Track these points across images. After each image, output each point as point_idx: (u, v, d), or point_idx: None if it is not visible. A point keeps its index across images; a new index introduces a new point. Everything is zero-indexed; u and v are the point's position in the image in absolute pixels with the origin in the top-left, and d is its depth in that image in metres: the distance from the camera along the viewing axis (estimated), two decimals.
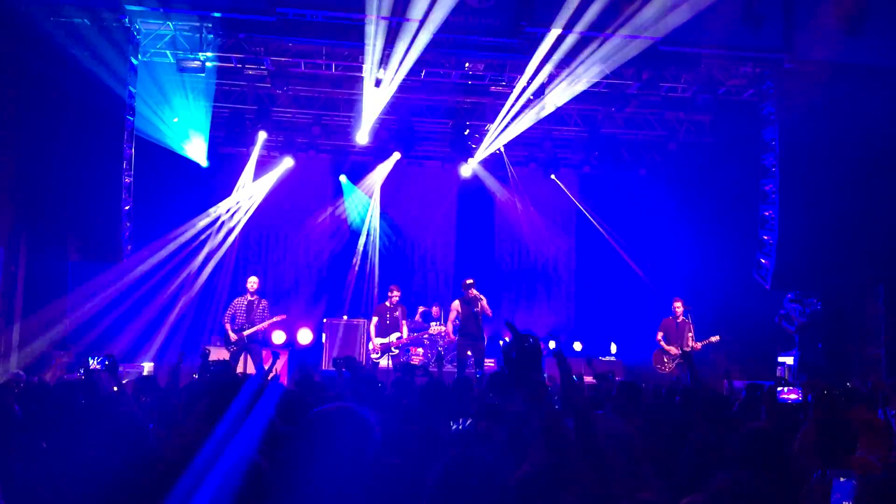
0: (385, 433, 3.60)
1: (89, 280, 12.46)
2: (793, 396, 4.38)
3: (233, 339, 11.72)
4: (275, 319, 11.97)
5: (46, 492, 3.14)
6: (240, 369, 11.58)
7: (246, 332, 11.71)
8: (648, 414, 5.64)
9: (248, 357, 11.84)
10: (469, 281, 11.96)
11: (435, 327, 13.33)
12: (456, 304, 12.05)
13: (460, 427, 4.05)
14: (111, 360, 7.42)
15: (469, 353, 11.65)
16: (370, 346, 12.34)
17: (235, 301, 12.07)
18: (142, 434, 3.73)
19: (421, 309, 14.41)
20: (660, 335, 12.47)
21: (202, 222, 14.49)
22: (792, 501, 2.88)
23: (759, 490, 2.51)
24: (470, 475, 2.28)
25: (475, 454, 2.38)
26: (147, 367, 12.08)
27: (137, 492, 2.83)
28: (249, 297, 11.94)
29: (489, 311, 11.90)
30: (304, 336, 14.89)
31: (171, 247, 13.97)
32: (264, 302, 12.03)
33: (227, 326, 11.84)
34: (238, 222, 15.09)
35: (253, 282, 12.05)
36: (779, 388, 4.49)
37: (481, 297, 11.83)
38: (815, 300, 12.17)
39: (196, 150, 13.95)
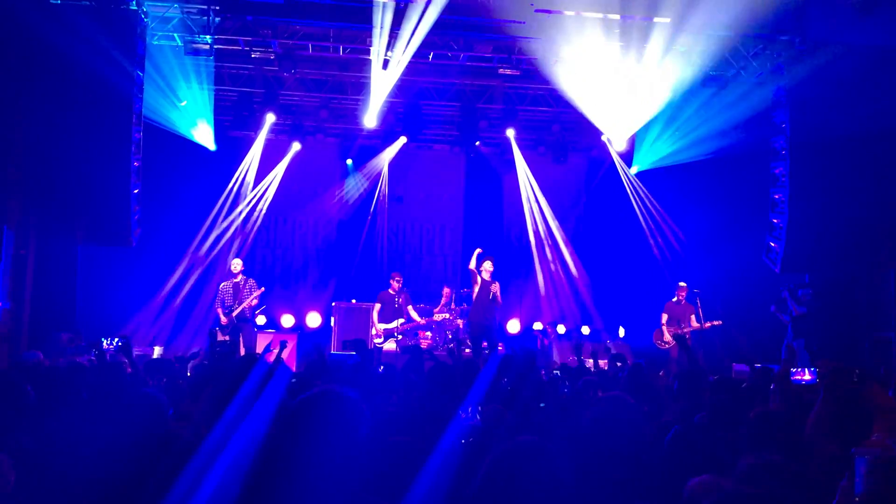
0: (397, 413, 3.62)
1: (99, 264, 12.52)
2: (807, 377, 4.33)
3: (223, 322, 11.80)
4: (255, 294, 11.97)
5: (59, 471, 3.16)
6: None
7: (234, 313, 11.77)
8: (657, 397, 5.66)
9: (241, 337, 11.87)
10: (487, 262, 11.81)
11: (438, 314, 13.34)
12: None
13: (468, 415, 4.03)
14: (125, 340, 7.40)
15: (485, 344, 11.71)
16: (373, 332, 12.42)
17: (221, 286, 12.13)
18: (160, 415, 3.76)
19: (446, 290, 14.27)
20: (664, 317, 12.69)
21: (211, 206, 14.52)
22: (814, 483, 2.86)
23: (789, 474, 2.50)
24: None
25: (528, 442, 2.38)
26: (157, 350, 12.15)
27: (151, 472, 2.85)
28: (234, 280, 12.00)
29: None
30: (313, 319, 14.95)
31: (181, 231, 14.03)
32: (251, 281, 12.09)
33: (219, 311, 11.92)
34: (248, 207, 15.12)
35: (236, 263, 12.12)
36: (792, 370, 4.45)
37: (495, 284, 11.80)
38: (809, 291, 12.10)
39: (204, 134, 13.95)
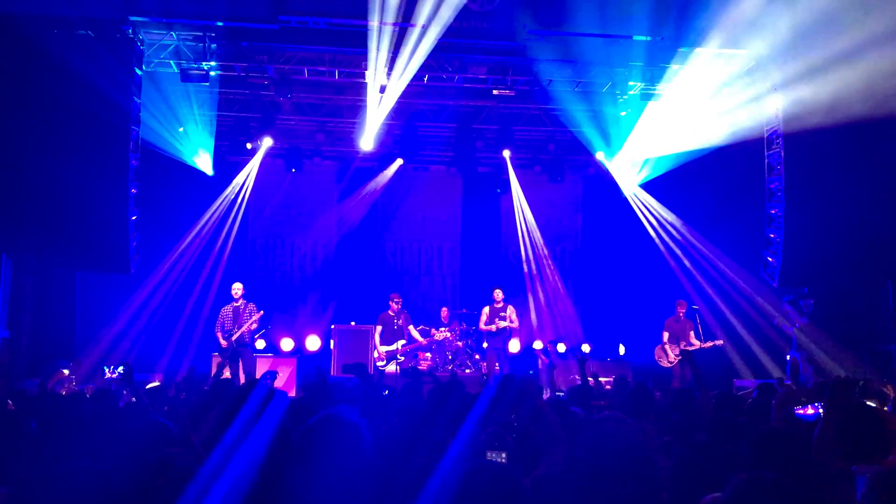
0: (397, 436, 3.60)
1: (97, 291, 12.51)
2: (810, 412, 4.29)
3: (223, 346, 11.73)
4: (255, 318, 11.91)
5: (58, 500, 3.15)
6: (226, 375, 11.58)
7: (234, 337, 11.70)
8: (659, 416, 5.64)
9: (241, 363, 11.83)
10: (496, 291, 12.73)
11: (439, 334, 13.34)
12: (486, 310, 12.82)
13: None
14: (127, 368, 7.39)
15: (497, 366, 12.11)
16: (375, 355, 12.42)
17: (222, 310, 12.02)
18: (168, 443, 3.75)
19: (444, 311, 14.52)
20: (665, 336, 12.66)
21: (209, 231, 14.54)
22: (815, 501, 2.84)
23: (781, 491, 2.49)
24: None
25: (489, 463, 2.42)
26: (157, 378, 12.11)
27: (152, 499, 2.85)
28: (235, 304, 11.92)
29: (514, 323, 12.70)
30: (313, 343, 14.91)
31: (179, 257, 14.03)
32: (251, 305, 11.99)
33: (218, 335, 11.84)
34: (245, 231, 15.16)
35: (237, 288, 12.02)
36: (796, 408, 4.40)
37: (508, 308, 12.65)
38: (811, 301, 12.11)
39: (201, 159, 14.00)
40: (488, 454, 3.75)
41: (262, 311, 11.97)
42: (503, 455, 3.71)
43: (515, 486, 2.44)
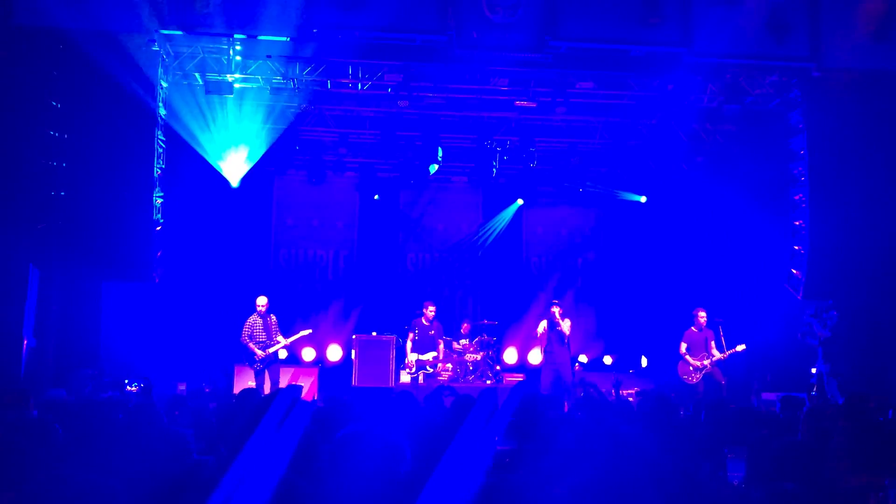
0: (419, 449, 3.61)
1: (123, 300, 12.64)
2: None
3: (259, 357, 11.83)
4: (302, 334, 12.06)
5: None
6: (250, 385, 11.74)
7: (270, 350, 11.84)
8: (680, 430, 5.60)
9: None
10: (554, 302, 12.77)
11: (458, 345, 13.32)
12: (543, 323, 12.82)
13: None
14: (147, 382, 7.55)
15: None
16: (405, 361, 12.38)
17: (251, 320, 12.15)
18: (184, 452, 3.78)
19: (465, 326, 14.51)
20: (683, 346, 12.47)
21: (232, 241, 14.67)
22: None
23: (803, 502, 2.48)
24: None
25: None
26: (181, 386, 12.22)
27: None
28: (264, 317, 12.10)
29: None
30: (334, 353, 14.95)
31: (204, 267, 14.14)
32: (273, 317, 12.20)
33: (251, 345, 11.93)
34: (267, 240, 15.27)
35: (262, 301, 12.17)
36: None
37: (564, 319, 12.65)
38: (834, 313, 11.93)
39: (225, 170, 14.10)
40: None
41: (310, 330, 12.20)
42: None
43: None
